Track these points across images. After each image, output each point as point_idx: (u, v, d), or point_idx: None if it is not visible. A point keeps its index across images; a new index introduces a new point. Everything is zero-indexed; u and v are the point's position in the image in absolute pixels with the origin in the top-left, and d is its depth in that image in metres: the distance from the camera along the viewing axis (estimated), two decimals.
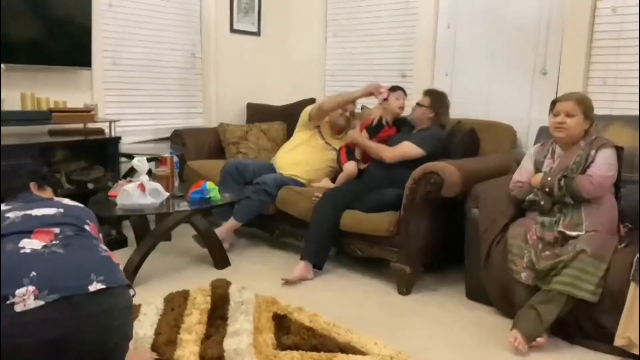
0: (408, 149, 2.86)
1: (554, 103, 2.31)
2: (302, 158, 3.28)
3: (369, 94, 3.06)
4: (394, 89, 3.13)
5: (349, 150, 3.14)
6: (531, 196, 2.31)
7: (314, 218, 2.79)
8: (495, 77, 3.31)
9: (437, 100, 2.99)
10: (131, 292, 1.53)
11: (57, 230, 1.54)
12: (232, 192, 2.99)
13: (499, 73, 3.29)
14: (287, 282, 2.70)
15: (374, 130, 3.11)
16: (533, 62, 3.13)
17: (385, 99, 3.06)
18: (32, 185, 1.86)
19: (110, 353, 1.44)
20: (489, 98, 3.33)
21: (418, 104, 3.00)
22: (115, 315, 1.43)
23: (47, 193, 1.89)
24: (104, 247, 1.60)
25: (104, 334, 1.41)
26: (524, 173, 2.37)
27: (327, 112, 3.26)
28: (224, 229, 3.10)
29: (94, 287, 1.40)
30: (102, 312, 1.40)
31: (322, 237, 2.76)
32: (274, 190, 3.06)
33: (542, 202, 2.25)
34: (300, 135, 3.38)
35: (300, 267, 2.77)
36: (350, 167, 3.04)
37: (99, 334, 1.40)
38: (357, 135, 3.10)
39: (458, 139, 2.96)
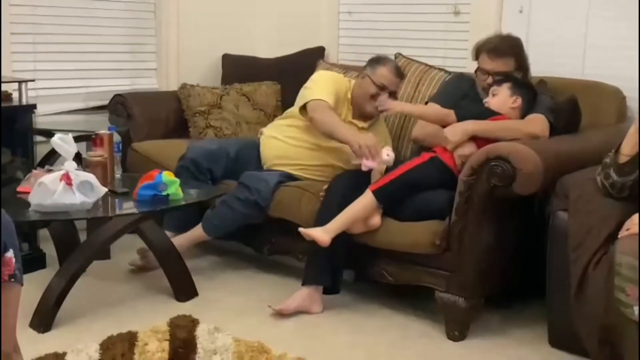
0: (544, 127, 2.77)
1: None
2: (291, 148, 3.20)
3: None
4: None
5: None
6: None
7: (318, 221, 2.77)
8: (598, 14, 3.27)
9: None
10: None
11: None
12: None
13: (603, 7, 3.26)
14: (280, 314, 2.72)
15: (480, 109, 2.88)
16: None
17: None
18: None
19: None
20: (587, 46, 3.31)
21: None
22: None
23: None
24: None
25: None
26: None
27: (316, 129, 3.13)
28: (185, 240, 3.12)
29: None
30: None
31: (333, 249, 2.69)
32: (269, 202, 3.03)
33: None
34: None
35: (300, 294, 2.77)
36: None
37: None
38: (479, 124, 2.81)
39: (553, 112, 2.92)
